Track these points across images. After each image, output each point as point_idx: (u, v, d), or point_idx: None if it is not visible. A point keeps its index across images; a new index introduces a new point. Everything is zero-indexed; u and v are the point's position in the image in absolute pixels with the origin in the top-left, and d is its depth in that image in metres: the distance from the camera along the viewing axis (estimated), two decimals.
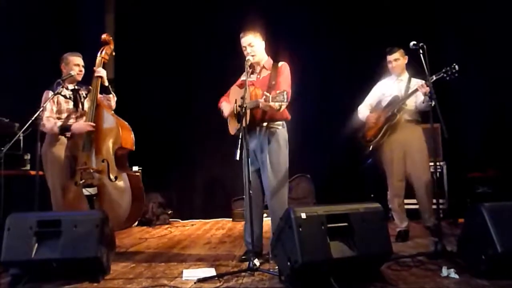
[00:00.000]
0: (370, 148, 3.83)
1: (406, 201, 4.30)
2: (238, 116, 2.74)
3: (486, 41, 4.94)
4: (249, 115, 2.91)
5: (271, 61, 3.19)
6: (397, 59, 3.67)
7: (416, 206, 3.77)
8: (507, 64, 4.71)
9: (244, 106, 2.74)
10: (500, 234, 2.26)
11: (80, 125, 3.40)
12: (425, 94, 3.19)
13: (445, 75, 3.22)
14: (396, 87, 3.72)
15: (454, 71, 3.18)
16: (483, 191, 4.45)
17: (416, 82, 3.52)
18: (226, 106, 3.23)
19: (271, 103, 2.68)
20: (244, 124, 2.72)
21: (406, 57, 3.68)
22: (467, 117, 4.97)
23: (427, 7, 5.39)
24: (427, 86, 3.12)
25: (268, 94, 2.69)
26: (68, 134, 3.43)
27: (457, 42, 5.27)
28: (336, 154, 5.68)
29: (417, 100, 3.54)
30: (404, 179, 3.69)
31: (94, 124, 3.36)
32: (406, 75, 3.74)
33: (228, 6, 5.76)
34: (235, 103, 3.09)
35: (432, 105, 2.99)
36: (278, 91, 2.68)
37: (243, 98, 2.79)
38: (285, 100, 2.64)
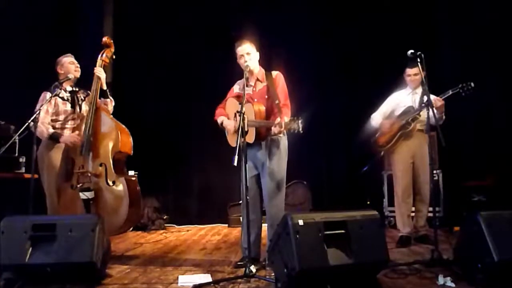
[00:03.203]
0: (381, 154, 3.91)
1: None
2: (242, 130, 2.66)
3: (485, 48, 4.96)
4: (255, 132, 2.93)
5: (263, 71, 3.16)
6: (416, 73, 3.69)
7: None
8: (506, 71, 4.76)
9: (243, 112, 2.71)
10: (497, 243, 2.27)
11: (68, 137, 3.38)
12: (436, 108, 3.33)
13: (460, 90, 3.36)
14: (410, 99, 3.82)
15: (470, 87, 3.33)
16: (479, 200, 4.47)
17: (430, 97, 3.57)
18: (228, 121, 3.15)
19: (284, 129, 2.71)
20: (244, 140, 2.71)
21: (424, 72, 3.73)
22: (463, 125, 4.99)
23: (426, 13, 5.44)
24: (439, 101, 3.39)
25: (279, 120, 2.71)
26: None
27: (455, 49, 5.29)
28: (332, 161, 5.69)
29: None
30: (411, 185, 3.76)
31: (79, 138, 3.35)
32: (420, 89, 3.78)
33: (228, 9, 5.79)
34: (235, 117, 3.00)
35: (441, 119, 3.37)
36: (291, 118, 2.64)
37: (241, 104, 2.77)
38: (300, 129, 2.55)
